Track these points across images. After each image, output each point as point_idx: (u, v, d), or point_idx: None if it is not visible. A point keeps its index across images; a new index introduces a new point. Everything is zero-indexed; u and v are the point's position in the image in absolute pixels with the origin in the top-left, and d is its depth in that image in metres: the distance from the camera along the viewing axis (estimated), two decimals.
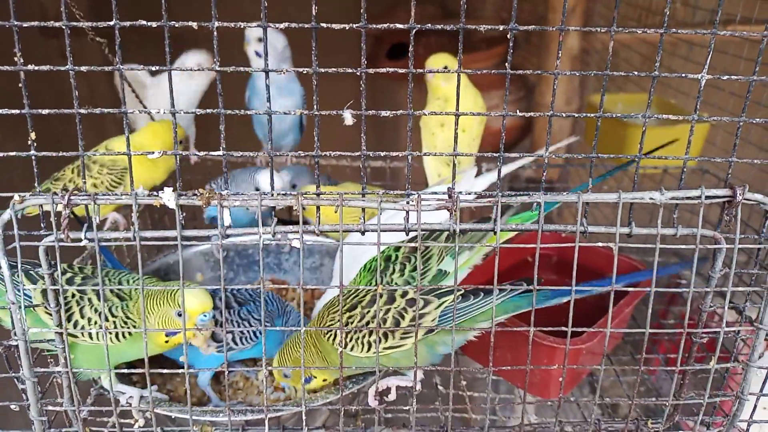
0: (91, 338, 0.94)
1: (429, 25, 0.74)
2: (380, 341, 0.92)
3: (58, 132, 1.34)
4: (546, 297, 0.93)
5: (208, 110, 0.77)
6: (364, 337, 0.94)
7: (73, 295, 0.94)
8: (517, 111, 0.80)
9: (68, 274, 0.97)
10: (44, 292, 0.82)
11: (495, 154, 0.81)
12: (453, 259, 1.02)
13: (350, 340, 0.94)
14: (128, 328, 0.95)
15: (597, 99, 1.93)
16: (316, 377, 1.01)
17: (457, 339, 0.96)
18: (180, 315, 0.95)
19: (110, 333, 0.94)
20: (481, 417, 1.19)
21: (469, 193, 0.81)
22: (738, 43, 1.60)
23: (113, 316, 0.95)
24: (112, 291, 0.96)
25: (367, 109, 0.76)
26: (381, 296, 0.93)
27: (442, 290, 0.94)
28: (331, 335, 0.96)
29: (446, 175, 1.42)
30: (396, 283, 0.98)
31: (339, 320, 0.90)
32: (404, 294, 0.93)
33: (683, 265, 1.07)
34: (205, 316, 0.98)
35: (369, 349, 0.94)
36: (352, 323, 0.94)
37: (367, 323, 0.93)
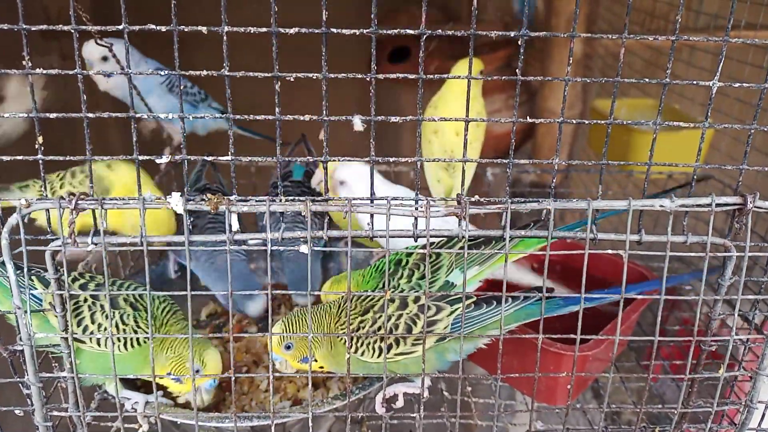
0: (99, 345, 0.93)
1: (439, 30, 0.73)
2: (391, 347, 0.92)
3: (61, 135, 1.33)
4: (558, 306, 0.93)
5: (217, 116, 0.76)
6: (375, 342, 0.93)
7: (85, 300, 0.93)
8: (527, 117, 0.80)
9: (81, 281, 0.96)
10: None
11: (504, 161, 0.80)
12: (462, 273, 1.02)
13: (361, 345, 0.94)
14: (137, 336, 0.94)
15: (600, 104, 1.92)
16: (316, 360, 0.98)
17: (467, 347, 0.96)
18: (198, 371, 0.99)
19: (119, 341, 0.94)
20: (487, 424, 1.19)
21: (478, 201, 0.80)
22: (743, 49, 1.60)
23: (123, 324, 0.94)
24: (125, 299, 0.96)
25: (374, 114, 0.76)
26: (393, 301, 0.93)
27: (454, 297, 0.94)
28: (342, 338, 0.95)
29: (446, 180, 1.41)
30: (402, 289, 0.97)
31: (349, 326, 0.89)
32: (417, 299, 0.93)
33: (693, 275, 1.06)
34: (214, 381, 1.02)
35: (380, 355, 0.93)
36: (363, 328, 0.93)
37: (379, 328, 0.92)
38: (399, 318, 0.92)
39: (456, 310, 0.92)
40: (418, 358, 0.92)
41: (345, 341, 0.95)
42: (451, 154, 1.33)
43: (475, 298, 0.94)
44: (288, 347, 0.97)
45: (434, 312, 0.93)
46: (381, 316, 0.93)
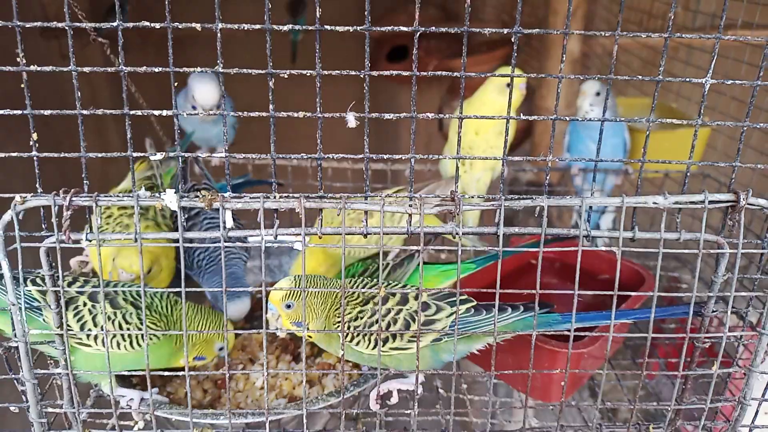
0: (103, 346, 0.92)
1: (433, 27, 0.73)
2: (387, 340, 0.92)
3: (59, 134, 1.33)
4: (556, 321, 0.93)
5: (211, 112, 0.77)
6: (371, 334, 0.93)
7: (85, 304, 0.93)
8: (521, 114, 0.80)
9: (78, 283, 0.95)
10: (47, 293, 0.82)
11: (498, 158, 0.81)
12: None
13: (357, 335, 0.93)
14: (143, 336, 0.94)
15: None
16: (308, 328, 0.94)
17: (462, 349, 0.96)
18: (221, 349, 1.04)
19: (124, 341, 0.94)
20: (482, 421, 1.19)
21: (473, 197, 0.81)
22: (739, 48, 1.60)
23: (127, 323, 0.94)
24: (125, 299, 0.95)
25: (369, 111, 0.76)
26: (393, 295, 0.93)
27: (456, 299, 0.94)
28: (338, 325, 0.94)
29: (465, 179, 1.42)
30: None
31: (344, 325, 0.89)
32: (418, 297, 0.93)
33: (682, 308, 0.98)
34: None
35: (375, 347, 0.93)
36: (362, 318, 0.93)
37: (377, 320, 0.92)
38: (398, 313, 0.92)
39: (455, 312, 0.92)
40: (413, 355, 0.92)
41: (336, 327, 0.94)
42: (468, 151, 1.34)
43: (475, 303, 0.94)
44: (288, 306, 0.94)
45: (434, 311, 0.93)
46: (381, 309, 0.93)
